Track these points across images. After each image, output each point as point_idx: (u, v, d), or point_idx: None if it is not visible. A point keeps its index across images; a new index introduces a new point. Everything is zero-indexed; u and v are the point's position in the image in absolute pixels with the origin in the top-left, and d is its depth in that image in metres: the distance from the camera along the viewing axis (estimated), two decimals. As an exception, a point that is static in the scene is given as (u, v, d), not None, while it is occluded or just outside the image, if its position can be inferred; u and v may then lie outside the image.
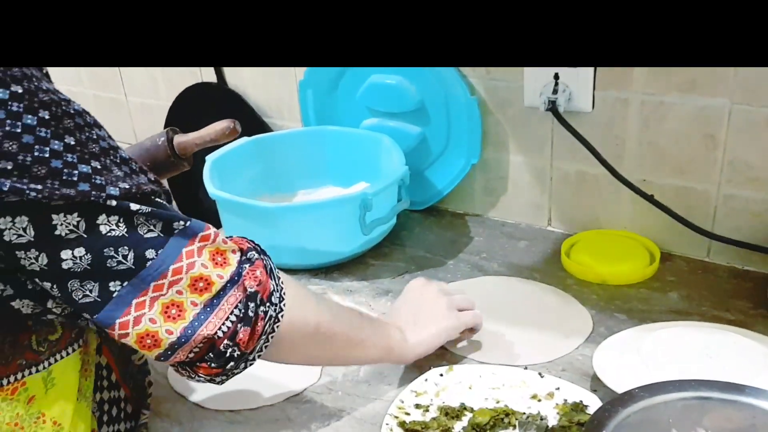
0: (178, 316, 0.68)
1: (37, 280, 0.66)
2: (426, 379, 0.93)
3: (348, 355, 0.89)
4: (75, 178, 0.63)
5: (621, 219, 1.23)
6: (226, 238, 0.74)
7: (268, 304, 0.72)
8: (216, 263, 0.70)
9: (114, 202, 0.65)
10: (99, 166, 0.65)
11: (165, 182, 1.83)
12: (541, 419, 0.84)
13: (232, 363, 0.71)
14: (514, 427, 0.84)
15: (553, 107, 1.18)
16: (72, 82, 1.93)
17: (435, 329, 0.94)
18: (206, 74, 1.65)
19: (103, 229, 0.65)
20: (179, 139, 1.12)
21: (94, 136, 0.67)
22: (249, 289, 0.71)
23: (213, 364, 0.71)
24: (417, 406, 0.89)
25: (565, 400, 0.88)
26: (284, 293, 0.75)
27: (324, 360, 0.88)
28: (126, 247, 0.65)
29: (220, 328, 0.69)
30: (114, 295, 0.66)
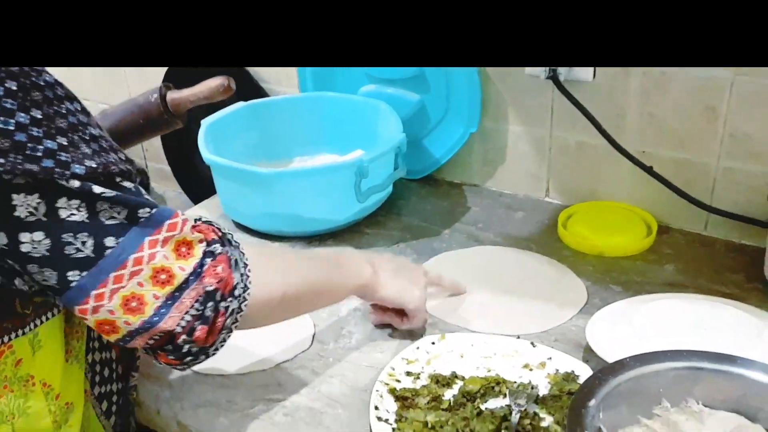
0: (138, 309, 0.65)
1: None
2: (418, 347, 0.93)
3: (317, 305, 0.90)
4: (39, 154, 0.61)
5: (619, 191, 1.21)
6: (195, 224, 0.71)
7: (230, 299, 0.70)
8: (179, 254, 0.67)
9: (77, 184, 0.62)
10: (65, 143, 0.63)
11: (159, 144, 1.82)
12: (532, 388, 0.84)
13: (189, 357, 0.70)
14: (505, 395, 0.84)
15: (554, 75, 1.16)
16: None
17: (402, 286, 0.94)
18: (204, 39, 1.63)
19: (63, 213, 0.63)
20: (173, 95, 1.10)
21: (63, 110, 0.65)
22: (207, 287, 0.67)
23: (171, 356, 0.69)
24: (408, 373, 0.88)
25: (557, 370, 0.87)
26: (249, 282, 0.72)
27: (293, 316, 0.87)
28: (86, 234, 0.63)
29: (178, 324, 0.66)
30: (72, 285, 0.64)
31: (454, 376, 0.88)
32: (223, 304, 0.69)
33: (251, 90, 1.56)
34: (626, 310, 0.91)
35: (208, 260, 0.69)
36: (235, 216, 1.27)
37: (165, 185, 1.97)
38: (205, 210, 1.35)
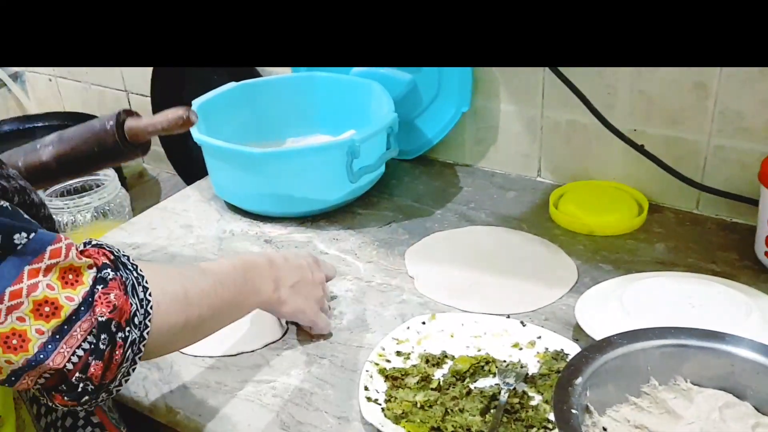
0: (20, 347, 0.58)
1: None
2: (408, 327, 0.93)
3: (220, 326, 0.81)
4: None
5: (611, 169, 1.21)
6: (84, 248, 0.64)
7: (128, 328, 0.62)
8: (66, 282, 0.60)
9: None
10: None
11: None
12: (521, 367, 0.84)
13: (87, 396, 0.61)
14: (494, 374, 0.84)
15: (544, 54, 1.15)
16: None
17: (300, 306, 0.90)
18: (194, 19, 1.62)
19: None
20: (131, 123, 0.98)
21: None
22: (100, 318, 0.60)
23: (66, 397, 0.61)
24: (398, 353, 0.89)
25: (546, 349, 0.87)
26: (150, 307, 0.65)
27: (197, 340, 0.79)
28: None
29: (69, 360, 0.59)
30: None
31: (444, 355, 0.88)
32: (120, 335, 0.62)
33: (244, 72, 1.55)
34: (616, 289, 0.91)
35: (99, 287, 0.61)
36: (227, 197, 1.27)
37: (158, 167, 1.96)
38: (197, 191, 1.34)
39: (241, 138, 1.31)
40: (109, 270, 0.63)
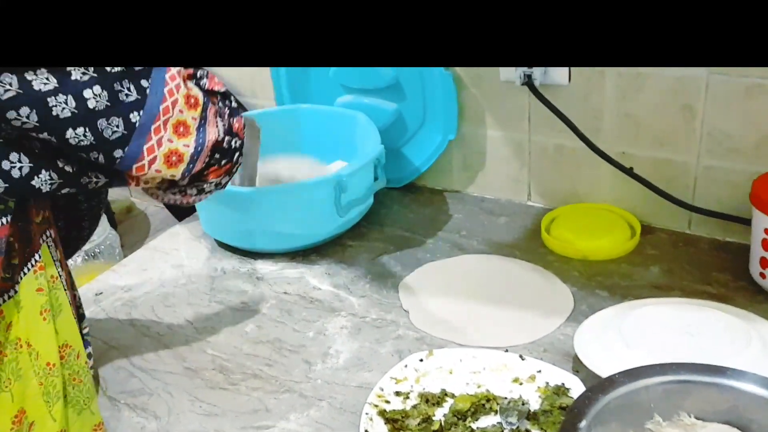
0: (186, 132, 0.76)
1: (71, 131, 0.68)
2: (406, 365, 0.92)
3: None
4: None
5: (601, 192, 1.21)
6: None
7: (231, 98, 0.85)
8: (189, 106, 0.77)
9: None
10: None
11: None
12: (523, 404, 0.83)
13: (237, 153, 0.83)
14: (496, 412, 0.83)
15: (528, 81, 1.15)
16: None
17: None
18: (176, 53, 1.61)
19: (91, 104, 0.68)
20: None
21: None
22: (219, 90, 0.82)
23: (224, 161, 0.82)
24: (397, 393, 0.88)
25: (547, 383, 0.87)
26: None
27: None
28: (127, 81, 0.71)
29: (219, 132, 0.79)
30: (136, 125, 0.72)
31: (444, 393, 0.87)
32: (230, 103, 0.84)
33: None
34: (613, 318, 0.91)
35: (204, 79, 0.82)
36: (216, 234, 1.26)
37: (146, 200, 1.95)
38: (186, 228, 1.33)
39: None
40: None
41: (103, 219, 1.54)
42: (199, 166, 0.79)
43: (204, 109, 0.78)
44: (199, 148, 0.77)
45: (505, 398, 0.85)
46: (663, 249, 1.13)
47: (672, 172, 1.13)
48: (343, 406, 0.89)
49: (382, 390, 0.88)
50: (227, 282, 1.17)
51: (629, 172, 1.14)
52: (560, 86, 1.16)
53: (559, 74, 1.15)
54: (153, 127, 0.73)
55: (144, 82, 0.72)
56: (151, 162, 0.74)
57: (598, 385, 0.70)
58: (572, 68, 1.14)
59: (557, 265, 1.11)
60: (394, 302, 1.07)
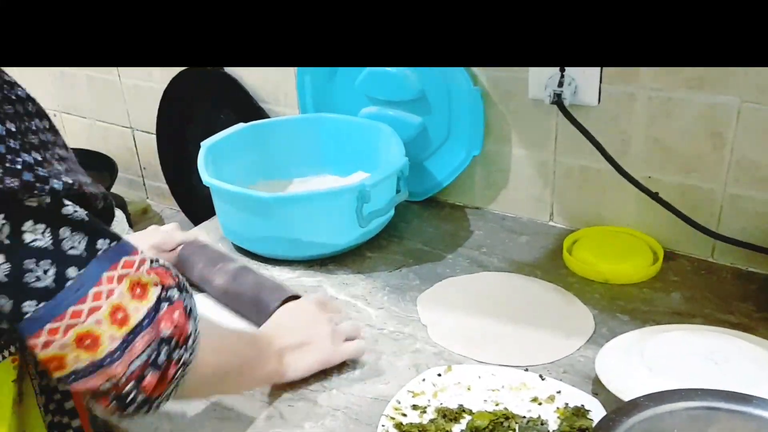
0: (91, 347, 0.62)
1: None
2: (424, 379, 0.91)
3: (235, 388, 0.88)
4: (19, 167, 0.59)
5: (625, 216, 1.20)
6: (152, 266, 0.67)
7: (183, 348, 0.66)
8: (134, 295, 0.64)
9: (48, 201, 0.61)
10: (40, 158, 0.61)
11: (157, 162, 1.80)
12: (542, 424, 0.82)
13: (133, 405, 0.65)
14: (514, 431, 0.82)
15: (558, 100, 1.15)
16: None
17: (313, 359, 0.92)
18: (202, 57, 1.62)
19: (28, 237, 0.60)
20: None
21: (34, 127, 0.63)
22: (164, 332, 0.64)
23: (113, 402, 0.65)
24: (414, 407, 0.87)
25: (566, 404, 0.86)
26: (199, 334, 0.69)
27: (216, 391, 0.86)
28: (48, 261, 0.61)
29: (129, 368, 0.63)
30: (27, 316, 0.61)
31: (462, 409, 0.86)
32: (177, 353, 0.66)
33: (251, 111, 1.54)
34: (635, 343, 0.90)
35: (165, 305, 0.65)
36: (235, 239, 1.26)
37: (163, 203, 1.95)
38: (204, 232, 1.33)
39: (249, 177, 1.31)
40: (175, 290, 0.67)
41: (122, 220, 1.54)
42: (80, 386, 0.64)
43: (133, 332, 0.63)
44: (91, 369, 0.63)
45: (524, 417, 0.84)
46: (685, 276, 1.12)
47: (698, 199, 1.12)
48: (359, 417, 0.88)
49: (399, 403, 0.87)
50: (245, 287, 1.16)
51: (655, 196, 1.13)
52: (589, 107, 1.15)
53: (588, 94, 1.14)
54: (48, 327, 0.61)
55: (71, 271, 0.62)
56: (32, 349, 0.63)
57: (621, 408, 0.69)
58: (602, 89, 1.13)
59: (578, 287, 1.10)
60: (412, 315, 1.06)
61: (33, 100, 0.65)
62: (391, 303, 1.10)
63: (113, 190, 1.80)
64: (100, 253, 0.63)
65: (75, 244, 0.62)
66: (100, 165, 1.84)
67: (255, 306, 1.03)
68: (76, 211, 0.62)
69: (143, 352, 0.63)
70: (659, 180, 1.14)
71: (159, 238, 1.16)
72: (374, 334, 1.02)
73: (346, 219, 1.16)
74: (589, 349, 0.96)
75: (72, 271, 0.61)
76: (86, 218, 0.63)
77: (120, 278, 0.63)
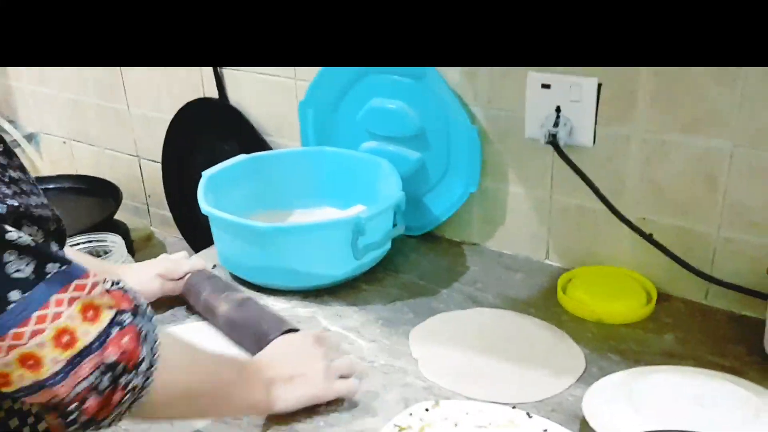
0: (34, 367, 0.61)
1: None
2: (411, 414, 0.91)
3: (213, 412, 0.87)
4: None
5: (619, 256, 1.20)
6: (109, 288, 0.67)
7: (133, 373, 0.66)
8: (86, 318, 0.63)
9: None
10: None
11: (161, 191, 1.82)
12: (526, 462, 0.82)
13: (75, 426, 0.64)
14: (498, 468, 0.82)
15: (553, 140, 1.16)
16: (76, 91, 1.92)
17: (303, 393, 0.92)
18: (208, 89, 1.64)
19: None
20: None
21: None
22: (109, 357, 0.64)
23: (59, 420, 0.64)
24: (400, 441, 0.87)
25: (552, 443, 0.85)
26: (156, 358, 0.68)
27: (190, 416, 0.86)
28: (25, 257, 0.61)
29: (73, 390, 0.62)
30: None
31: (447, 445, 0.86)
32: (124, 378, 0.65)
33: (255, 143, 1.56)
34: (624, 383, 0.90)
35: (115, 330, 0.65)
36: (232, 268, 1.27)
37: (166, 231, 1.96)
38: (203, 260, 1.33)
39: (249, 207, 1.32)
40: (128, 315, 0.66)
41: (121, 245, 1.55)
42: (30, 399, 0.64)
43: (79, 354, 0.62)
44: (34, 389, 0.62)
45: (509, 455, 0.84)
46: (678, 317, 1.12)
47: (692, 242, 1.12)
48: (344, 450, 0.88)
49: (385, 436, 0.87)
50: (239, 316, 1.16)
51: (649, 238, 1.14)
52: (584, 147, 1.16)
53: (583, 135, 1.15)
54: None
55: (14, 294, 0.60)
56: None
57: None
58: (597, 130, 1.14)
59: (571, 326, 1.10)
60: (403, 349, 1.07)
61: None
62: (383, 336, 1.10)
63: (117, 216, 1.81)
64: (49, 276, 0.62)
65: (21, 266, 0.61)
66: (105, 191, 1.86)
67: (255, 336, 1.04)
68: (20, 237, 0.62)
69: (90, 374, 0.63)
70: (653, 221, 1.14)
71: (166, 266, 1.17)
72: (365, 367, 1.02)
73: (341, 251, 1.17)
74: (579, 388, 0.96)
75: (15, 294, 0.60)
76: (32, 243, 0.63)
77: (70, 301, 0.63)
